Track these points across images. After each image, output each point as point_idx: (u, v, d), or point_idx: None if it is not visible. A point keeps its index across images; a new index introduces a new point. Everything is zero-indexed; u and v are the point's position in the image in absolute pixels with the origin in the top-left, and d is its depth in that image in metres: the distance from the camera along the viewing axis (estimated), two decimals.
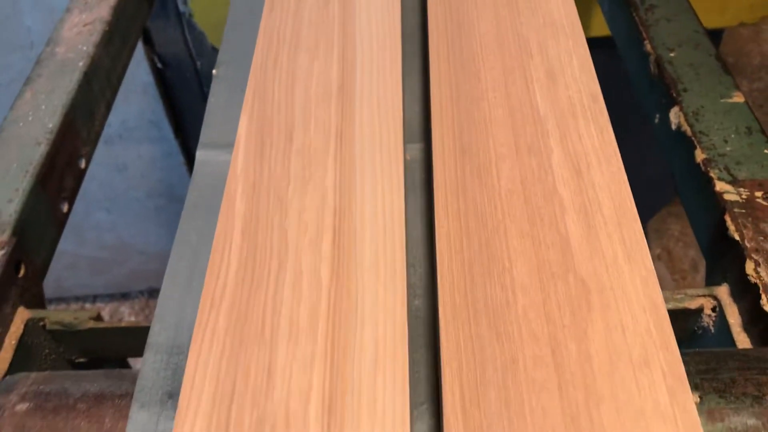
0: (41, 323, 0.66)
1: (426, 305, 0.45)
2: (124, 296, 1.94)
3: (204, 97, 1.53)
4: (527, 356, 0.34)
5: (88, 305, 1.95)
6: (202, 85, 1.49)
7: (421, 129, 0.58)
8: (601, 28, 0.95)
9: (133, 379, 0.45)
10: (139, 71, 1.45)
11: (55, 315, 0.66)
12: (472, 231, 0.40)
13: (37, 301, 0.70)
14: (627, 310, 0.36)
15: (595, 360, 0.34)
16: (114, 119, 1.56)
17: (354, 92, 0.52)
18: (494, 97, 0.48)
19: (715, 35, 1.58)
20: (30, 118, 0.79)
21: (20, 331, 0.64)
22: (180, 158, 1.62)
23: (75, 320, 0.66)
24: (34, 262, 0.69)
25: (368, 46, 0.56)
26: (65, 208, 0.78)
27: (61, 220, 0.77)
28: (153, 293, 1.94)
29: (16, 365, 0.63)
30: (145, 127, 1.56)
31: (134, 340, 0.68)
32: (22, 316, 0.65)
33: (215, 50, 1.42)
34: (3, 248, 0.64)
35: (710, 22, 1.34)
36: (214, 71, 0.67)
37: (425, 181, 0.54)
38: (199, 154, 0.59)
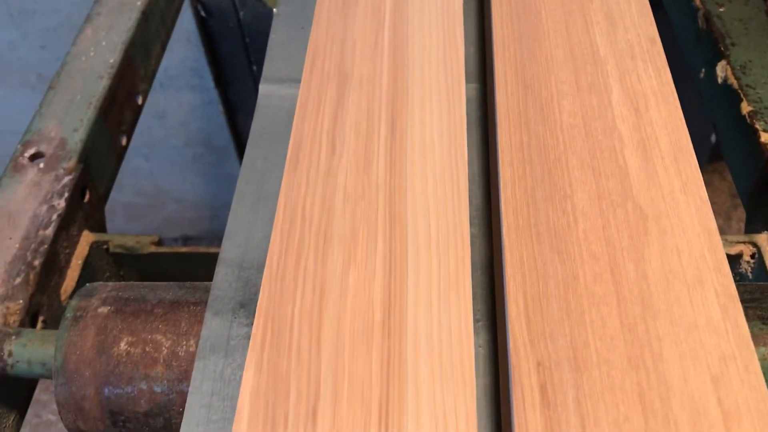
0: (105, 246, 0.70)
1: (481, 233, 0.48)
2: (159, 242, 1.98)
3: (245, 48, 1.55)
4: (587, 273, 0.37)
5: None
6: (244, 35, 1.51)
7: (477, 69, 0.60)
8: None
9: (206, 290, 0.48)
10: (182, 19, 1.47)
11: (119, 239, 0.70)
12: (534, 161, 0.42)
13: (99, 226, 0.73)
14: (682, 235, 0.38)
15: (652, 279, 0.36)
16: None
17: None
18: (555, 37, 0.50)
19: None
20: (92, 53, 0.82)
21: (85, 252, 0.68)
22: (219, 107, 1.65)
23: (137, 244, 0.70)
24: (98, 189, 0.73)
25: None
26: (124, 141, 0.81)
27: (121, 152, 0.80)
28: (187, 241, 1.98)
29: (82, 285, 0.67)
30: (187, 75, 1.58)
31: (193, 265, 0.71)
32: (87, 238, 0.69)
33: (258, 1, 1.43)
34: (70, 174, 0.68)
35: None
36: (275, 9, 0.69)
37: (481, 119, 0.56)
38: (262, 88, 0.61)
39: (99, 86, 0.76)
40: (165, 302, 0.48)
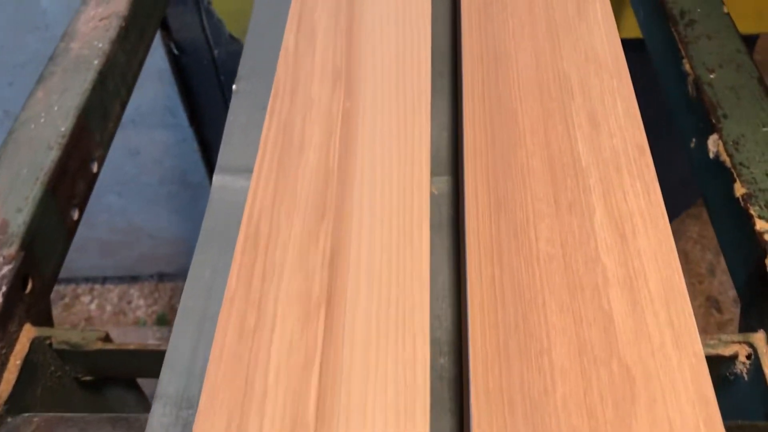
0: (47, 342, 0.64)
1: (452, 363, 0.43)
2: (134, 279, 1.92)
3: (220, 85, 1.50)
4: None
5: (97, 286, 1.94)
6: (218, 73, 1.46)
7: (449, 160, 0.55)
8: (633, 30, 0.91)
9: (141, 428, 0.43)
10: (154, 57, 1.42)
11: (62, 334, 0.64)
12: (507, 302, 0.37)
13: (44, 316, 0.67)
14: (675, 403, 0.33)
15: None
16: (128, 104, 1.53)
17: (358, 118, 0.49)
18: (532, 143, 0.45)
19: (750, 41, 1.53)
20: (42, 120, 0.77)
21: (26, 349, 0.62)
22: (194, 145, 1.60)
23: (82, 340, 0.64)
24: (43, 275, 0.67)
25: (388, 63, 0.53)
26: (76, 215, 0.75)
27: (72, 228, 0.75)
28: (163, 277, 1.93)
29: (21, 384, 0.61)
30: (160, 112, 1.53)
31: (142, 362, 0.66)
32: (28, 333, 0.63)
33: (233, 39, 1.38)
34: (10, 263, 0.62)
35: (745, 27, 1.30)
36: (234, 86, 0.64)
37: (453, 219, 0.51)
38: (216, 179, 0.56)
39: (48, 158, 0.71)
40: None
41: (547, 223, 0.41)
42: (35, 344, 0.63)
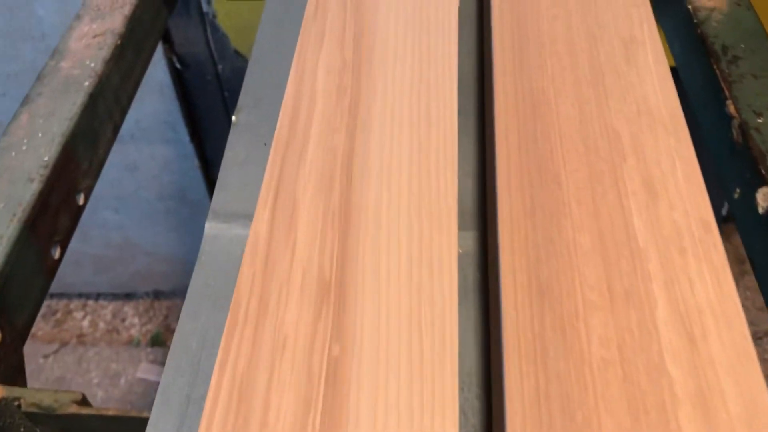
0: (16, 403, 0.57)
1: None
2: (129, 296, 1.86)
3: (224, 102, 1.44)
4: None
5: (91, 302, 1.87)
6: (222, 88, 1.40)
7: (476, 212, 0.49)
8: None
9: None
10: (156, 70, 1.36)
11: (33, 395, 0.57)
12: (556, 426, 0.30)
13: (13, 371, 0.61)
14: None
15: None
16: (127, 117, 1.47)
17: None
18: (579, 213, 0.38)
19: None
20: (24, 147, 0.70)
21: None
22: (194, 161, 1.53)
23: (55, 403, 0.57)
24: (15, 325, 0.60)
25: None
26: (57, 254, 0.69)
27: (52, 268, 0.68)
28: (158, 295, 1.86)
29: None
30: (160, 127, 1.47)
31: (123, 428, 0.59)
32: None
33: (238, 54, 1.32)
34: None
35: None
36: (233, 118, 0.57)
37: (481, 284, 0.45)
38: (209, 227, 0.49)
39: (27, 192, 0.64)
40: None
41: (600, 318, 0.34)
42: (3, 405, 0.56)
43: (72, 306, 1.90)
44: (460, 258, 0.45)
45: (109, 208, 1.62)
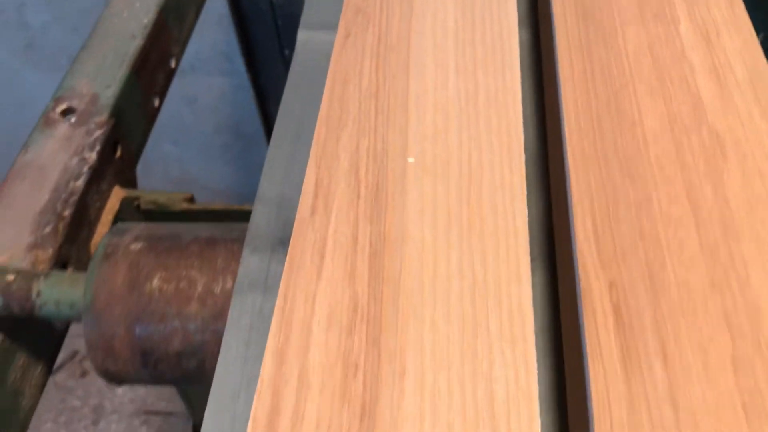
0: (135, 203, 0.68)
1: (536, 178, 0.45)
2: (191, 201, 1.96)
3: (277, 32, 1.54)
4: (661, 196, 0.34)
5: None
6: (276, 18, 1.49)
7: (528, 13, 0.57)
8: None
9: (243, 230, 0.45)
10: (214, 2, 1.46)
11: (150, 195, 0.68)
12: (599, 88, 0.39)
13: (130, 184, 0.71)
14: (765, 159, 0.35)
15: (733, 202, 0.33)
16: (187, 49, 1.57)
17: None
18: None
19: None
20: (125, 14, 0.80)
21: (116, 208, 0.66)
22: (250, 93, 1.63)
23: (169, 201, 0.68)
24: (129, 146, 0.71)
25: None
26: (156, 102, 0.79)
27: (152, 114, 0.79)
28: None
29: None
30: (218, 59, 1.57)
31: (225, 219, 0.69)
32: (117, 194, 0.67)
33: None
34: (102, 128, 0.66)
35: None
36: None
37: (532, 65, 0.53)
38: (301, 34, 0.59)
39: (132, 46, 0.74)
40: (200, 239, 0.45)
41: (634, 30, 0.42)
42: (124, 204, 0.67)
43: None
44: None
45: (169, 141, 1.73)
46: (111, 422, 1.59)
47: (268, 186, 0.47)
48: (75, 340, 1.75)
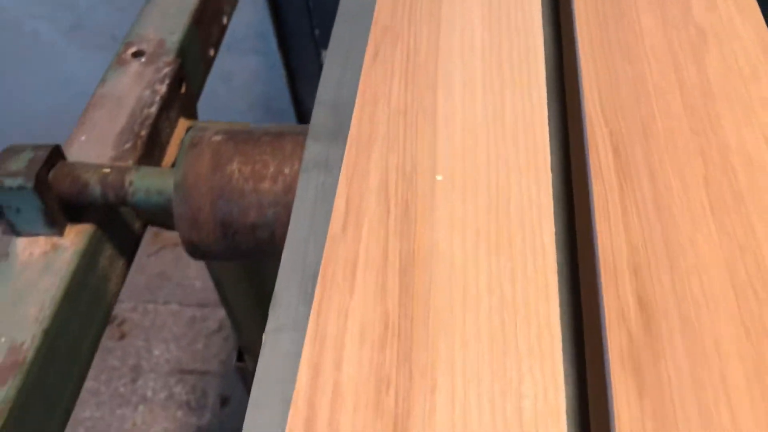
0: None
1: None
2: None
3: (309, 12, 1.63)
4: (654, 72, 0.42)
5: None
6: (308, 0, 1.59)
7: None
8: None
9: (305, 129, 0.54)
10: None
11: (212, 125, 0.77)
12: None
13: (193, 119, 0.80)
14: (740, 44, 0.43)
15: (712, 76, 0.41)
16: None
17: None
18: None
19: None
20: None
21: (183, 135, 0.75)
22: (281, 71, 1.72)
23: (229, 127, 0.76)
24: (191, 85, 0.80)
25: None
26: (211, 52, 0.88)
27: (209, 62, 0.88)
28: None
29: None
30: (252, 38, 1.66)
31: (281, 140, 0.77)
32: (183, 124, 0.76)
33: None
34: (169, 66, 0.75)
35: None
36: None
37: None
38: None
39: (192, 0, 0.84)
40: (271, 133, 0.54)
41: None
42: (191, 130, 0.76)
43: None
44: None
45: (205, 118, 1.83)
46: (148, 380, 1.69)
47: (324, 93, 0.56)
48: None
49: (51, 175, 0.57)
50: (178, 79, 0.76)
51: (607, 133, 0.39)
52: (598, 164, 0.37)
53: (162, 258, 1.95)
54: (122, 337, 1.78)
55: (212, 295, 1.91)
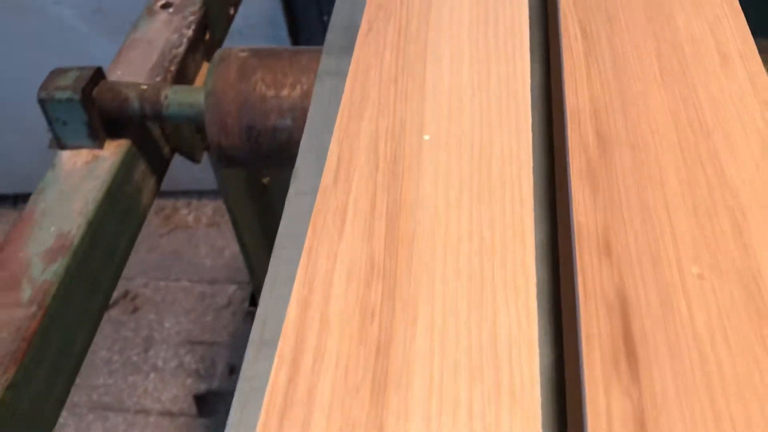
0: None
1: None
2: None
3: (318, 0, 1.71)
4: (630, 25, 0.49)
5: (194, 201, 2.16)
6: None
7: None
8: None
9: (319, 49, 0.61)
10: None
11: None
12: None
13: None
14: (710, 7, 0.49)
15: (681, 26, 0.48)
16: (238, 14, 1.75)
17: None
18: None
19: None
20: None
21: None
22: None
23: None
24: (214, 33, 0.87)
25: None
26: (231, 11, 0.96)
27: (229, 19, 0.95)
28: None
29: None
30: (264, 24, 1.74)
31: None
32: (207, 67, 0.83)
33: None
34: (195, 14, 0.83)
35: None
36: None
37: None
38: None
39: None
40: (290, 50, 0.61)
41: None
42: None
43: (178, 204, 2.19)
44: None
45: None
46: (160, 350, 1.76)
47: (336, 19, 0.63)
48: (126, 282, 1.92)
49: (95, 91, 0.64)
50: (202, 26, 0.83)
51: (577, 21, 0.46)
52: (569, 43, 0.44)
53: (174, 238, 2.03)
54: (135, 310, 1.85)
55: (222, 273, 1.98)
